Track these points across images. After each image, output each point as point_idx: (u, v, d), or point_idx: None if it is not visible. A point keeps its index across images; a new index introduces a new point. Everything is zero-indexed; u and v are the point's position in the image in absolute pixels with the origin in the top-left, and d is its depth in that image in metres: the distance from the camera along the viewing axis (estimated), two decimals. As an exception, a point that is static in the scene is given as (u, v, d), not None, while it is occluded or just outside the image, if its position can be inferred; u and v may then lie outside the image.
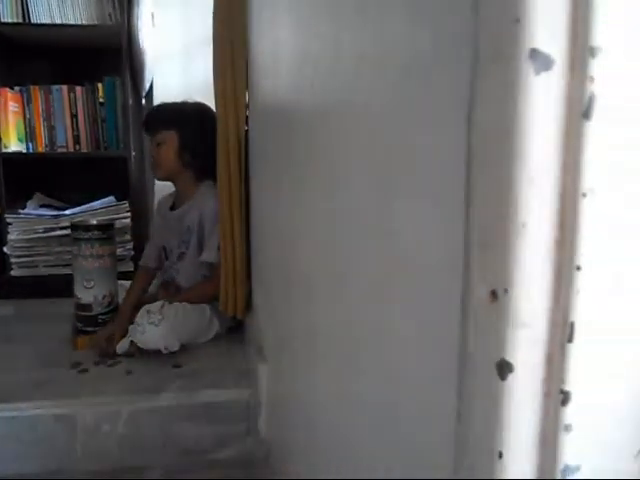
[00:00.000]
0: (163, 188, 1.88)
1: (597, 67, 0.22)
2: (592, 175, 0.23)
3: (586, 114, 0.23)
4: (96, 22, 1.99)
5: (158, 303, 1.44)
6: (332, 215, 0.56)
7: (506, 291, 0.25)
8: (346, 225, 0.48)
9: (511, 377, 0.25)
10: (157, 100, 2.03)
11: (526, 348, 0.25)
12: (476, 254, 0.27)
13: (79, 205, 2.02)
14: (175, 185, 1.69)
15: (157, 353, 1.42)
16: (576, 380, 0.24)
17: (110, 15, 1.99)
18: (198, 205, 1.60)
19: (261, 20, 1.20)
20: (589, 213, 0.23)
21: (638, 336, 0.24)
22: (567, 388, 0.24)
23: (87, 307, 1.55)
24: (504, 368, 0.25)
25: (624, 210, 0.24)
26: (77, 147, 2.06)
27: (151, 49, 2.04)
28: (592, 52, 0.23)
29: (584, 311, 0.24)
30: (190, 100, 1.67)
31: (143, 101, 2.11)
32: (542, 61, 0.23)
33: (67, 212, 1.98)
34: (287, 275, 0.95)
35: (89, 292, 1.54)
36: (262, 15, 1.18)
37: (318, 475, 0.70)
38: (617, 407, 0.25)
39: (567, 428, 0.25)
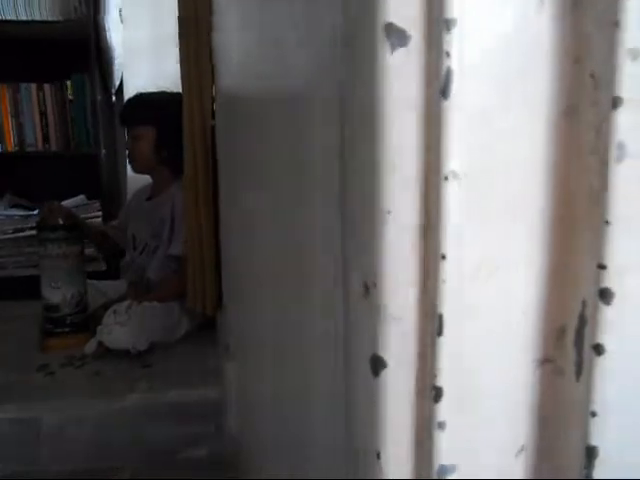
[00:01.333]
0: (135, 186, 1.86)
1: (452, 41, 0.21)
2: (454, 157, 0.22)
3: (444, 92, 0.21)
4: (62, 18, 1.95)
5: (125, 303, 1.42)
6: (265, 209, 0.55)
7: (375, 284, 0.23)
8: (267, 221, 0.47)
9: (384, 373, 0.24)
10: (128, 96, 2.00)
11: (397, 343, 0.23)
12: (350, 246, 0.25)
13: (50, 205, 1.98)
14: (152, 178, 1.68)
15: (127, 353, 1.40)
16: (448, 376, 0.23)
17: (76, 9, 1.95)
18: (172, 198, 1.58)
19: (225, 10, 1.18)
20: (452, 197, 0.22)
21: (507, 328, 0.23)
22: (439, 384, 0.23)
23: (55, 308, 1.52)
24: (377, 364, 0.24)
25: (489, 193, 0.22)
26: (47, 145, 2.03)
27: (120, 44, 2.01)
28: (447, 25, 0.21)
29: (452, 302, 0.22)
30: (169, 90, 1.64)
31: (113, 98, 2.08)
32: (398, 37, 0.22)
33: (36, 212, 1.95)
34: (254, 270, 0.93)
35: (57, 293, 1.52)
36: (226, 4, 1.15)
37: (285, 472, 0.68)
38: (492, 404, 0.23)
39: (441, 426, 0.23)
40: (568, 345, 0.24)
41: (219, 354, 1.36)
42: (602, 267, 0.23)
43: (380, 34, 0.22)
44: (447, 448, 0.24)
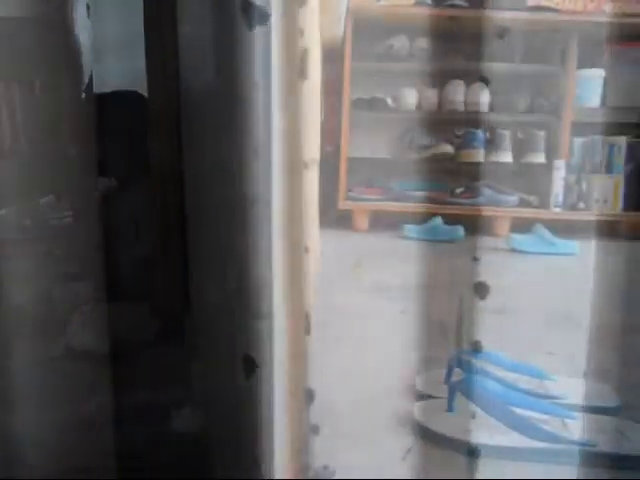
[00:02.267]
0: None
1: (306, 18, 0.20)
2: (313, 144, 0.20)
3: (301, 72, 0.20)
4: (29, 15, 1.91)
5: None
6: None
7: (245, 277, 0.22)
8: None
9: (256, 375, 0.22)
10: (97, 94, 1.96)
11: (268, 342, 0.22)
12: (226, 241, 0.24)
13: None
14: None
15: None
16: (318, 377, 0.22)
17: (44, 5, 1.91)
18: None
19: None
20: (313, 185, 0.21)
21: (378, 330, 0.22)
22: (311, 385, 0.22)
23: None
24: (249, 365, 0.23)
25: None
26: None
27: (88, 41, 1.98)
28: (300, 1, 0.20)
29: (318, 300, 0.21)
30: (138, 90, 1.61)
31: (82, 95, 2.05)
32: (257, 14, 0.20)
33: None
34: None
35: None
36: None
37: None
38: (366, 405, 0.22)
39: (314, 429, 0.22)
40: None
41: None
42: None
43: (238, 11, 0.20)
44: (322, 451, 0.22)
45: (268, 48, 0.20)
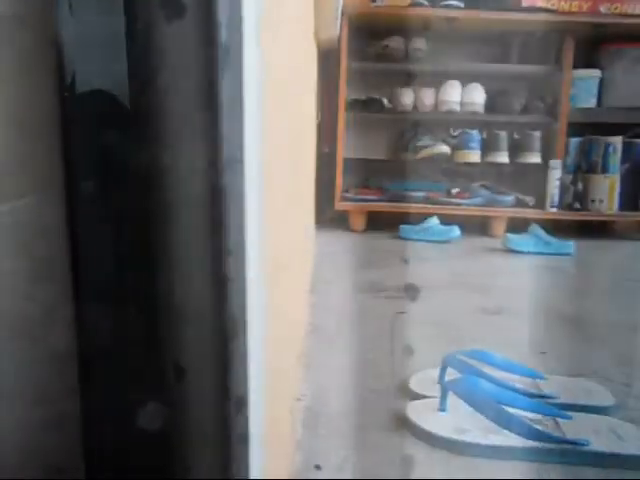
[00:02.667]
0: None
1: (223, 11, 0.19)
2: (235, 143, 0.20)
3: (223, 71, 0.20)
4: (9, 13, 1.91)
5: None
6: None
7: (172, 285, 0.22)
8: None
9: (186, 381, 0.22)
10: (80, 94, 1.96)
11: (196, 348, 0.21)
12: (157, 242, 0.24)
13: None
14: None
15: None
16: (249, 383, 0.21)
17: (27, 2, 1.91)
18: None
19: None
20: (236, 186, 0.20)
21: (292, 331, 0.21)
22: (241, 393, 0.21)
23: None
24: (178, 371, 0.22)
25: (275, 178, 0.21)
26: None
27: (71, 39, 1.98)
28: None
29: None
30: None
31: (65, 94, 2.05)
32: (173, 6, 0.20)
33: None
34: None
35: None
36: None
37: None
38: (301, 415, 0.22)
39: (242, 439, 0.21)
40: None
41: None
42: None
43: (156, 4, 0.20)
44: (254, 461, 0.22)
45: (185, 41, 0.20)
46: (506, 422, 0.78)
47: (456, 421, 0.80)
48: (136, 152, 0.17)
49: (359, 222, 2.53)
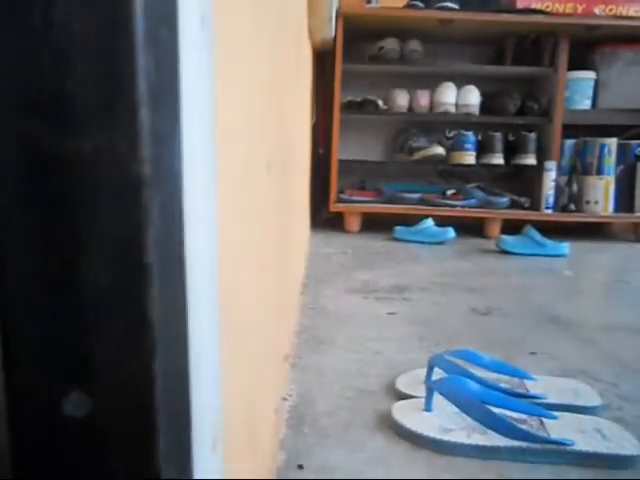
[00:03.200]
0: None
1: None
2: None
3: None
4: None
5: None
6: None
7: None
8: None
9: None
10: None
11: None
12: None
13: None
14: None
15: None
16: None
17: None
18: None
19: None
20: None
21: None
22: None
23: None
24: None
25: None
26: None
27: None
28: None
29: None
30: None
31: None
32: None
33: None
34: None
35: None
36: None
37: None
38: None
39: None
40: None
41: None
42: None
43: None
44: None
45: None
46: (490, 422, 0.77)
47: (441, 421, 0.80)
48: (57, 139, 0.17)
49: (354, 223, 2.53)
